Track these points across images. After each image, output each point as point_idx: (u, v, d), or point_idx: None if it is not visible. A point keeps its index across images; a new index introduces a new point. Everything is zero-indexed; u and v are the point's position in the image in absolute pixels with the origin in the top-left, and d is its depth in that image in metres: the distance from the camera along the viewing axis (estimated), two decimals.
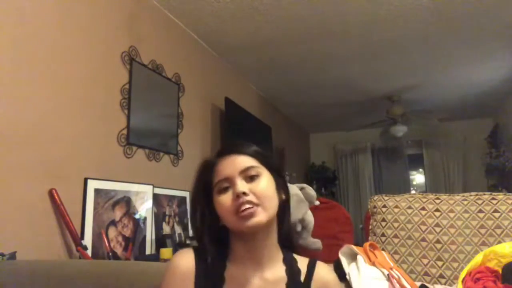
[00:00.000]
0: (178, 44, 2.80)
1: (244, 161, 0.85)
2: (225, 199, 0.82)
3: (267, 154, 0.90)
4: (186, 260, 0.85)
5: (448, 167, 5.90)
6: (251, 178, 0.84)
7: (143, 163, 2.29)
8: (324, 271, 0.89)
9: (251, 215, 0.80)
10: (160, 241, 2.22)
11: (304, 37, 3.06)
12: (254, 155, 0.87)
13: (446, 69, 3.86)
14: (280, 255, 0.89)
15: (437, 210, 1.54)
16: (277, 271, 0.86)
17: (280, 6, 2.60)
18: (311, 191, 1.94)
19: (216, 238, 0.87)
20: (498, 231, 1.43)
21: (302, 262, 0.89)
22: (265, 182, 0.84)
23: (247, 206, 0.80)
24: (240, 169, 0.84)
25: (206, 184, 0.87)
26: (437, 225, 1.50)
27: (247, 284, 0.84)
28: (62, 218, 1.65)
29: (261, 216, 0.81)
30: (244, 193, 0.80)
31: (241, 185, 0.82)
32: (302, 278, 0.86)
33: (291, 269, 0.87)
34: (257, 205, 0.81)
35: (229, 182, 0.83)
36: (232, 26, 2.86)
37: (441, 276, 1.42)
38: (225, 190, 0.84)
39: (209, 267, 0.84)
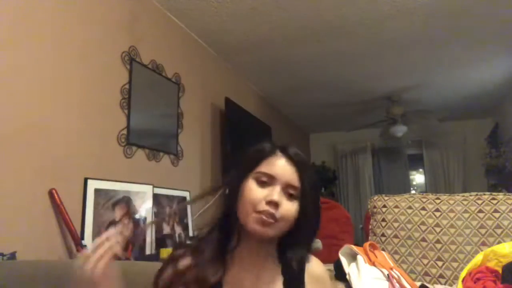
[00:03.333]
0: (178, 44, 2.79)
1: (295, 178, 0.84)
2: (258, 192, 0.82)
3: (317, 185, 0.89)
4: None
5: (448, 167, 5.90)
6: (288, 195, 0.84)
7: (143, 163, 2.29)
8: (315, 265, 0.91)
9: (266, 225, 0.81)
10: (160, 241, 2.22)
11: (303, 37, 3.06)
12: (306, 180, 0.85)
13: (446, 69, 3.86)
14: (275, 254, 0.90)
15: (437, 210, 1.54)
16: (274, 270, 0.88)
17: (280, 6, 2.59)
18: None
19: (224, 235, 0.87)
20: (498, 231, 1.43)
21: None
22: (295, 209, 0.84)
23: (269, 217, 0.80)
24: (288, 182, 0.83)
25: (252, 162, 0.86)
26: (437, 225, 1.50)
27: (246, 286, 0.85)
28: (62, 218, 1.65)
29: (271, 232, 0.82)
30: (276, 205, 0.81)
31: (280, 196, 0.82)
32: (297, 274, 0.88)
33: (287, 267, 0.88)
34: (276, 221, 0.81)
35: (272, 182, 0.83)
36: (232, 26, 2.86)
37: (441, 276, 1.42)
38: (263, 183, 0.83)
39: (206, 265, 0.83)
